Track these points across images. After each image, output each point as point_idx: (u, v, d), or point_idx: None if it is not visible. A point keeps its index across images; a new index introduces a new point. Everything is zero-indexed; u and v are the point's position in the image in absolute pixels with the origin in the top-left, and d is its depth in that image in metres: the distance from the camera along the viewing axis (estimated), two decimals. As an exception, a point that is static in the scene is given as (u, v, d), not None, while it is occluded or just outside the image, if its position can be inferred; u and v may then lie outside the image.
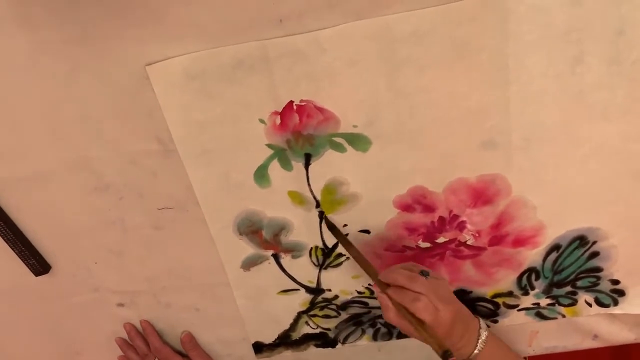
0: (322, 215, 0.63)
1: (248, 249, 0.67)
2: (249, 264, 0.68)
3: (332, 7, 0.50)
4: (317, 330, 0.75)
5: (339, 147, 0.58)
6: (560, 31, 0.50)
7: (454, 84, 0.53)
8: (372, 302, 0.72)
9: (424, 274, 0.56)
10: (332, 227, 0.63)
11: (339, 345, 0.76)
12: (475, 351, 0.57)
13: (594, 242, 0.63)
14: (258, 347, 0.76)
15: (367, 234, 0.65)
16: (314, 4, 0.49)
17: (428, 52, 0.51)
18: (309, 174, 0.60)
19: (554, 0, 0.48)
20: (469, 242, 0.64)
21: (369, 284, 0.70)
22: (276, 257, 0.68)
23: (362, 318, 0.74)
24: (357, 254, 0.61)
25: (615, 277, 0.66)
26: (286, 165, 0.60)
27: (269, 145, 0.58)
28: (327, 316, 0.74)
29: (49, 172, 0.61)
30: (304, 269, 0.68)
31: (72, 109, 0.57)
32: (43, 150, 0.60)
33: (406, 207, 0.62)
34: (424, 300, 0.53)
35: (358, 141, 0.57)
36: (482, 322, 0.60)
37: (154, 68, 0.53)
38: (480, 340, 0.58)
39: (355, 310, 0.73)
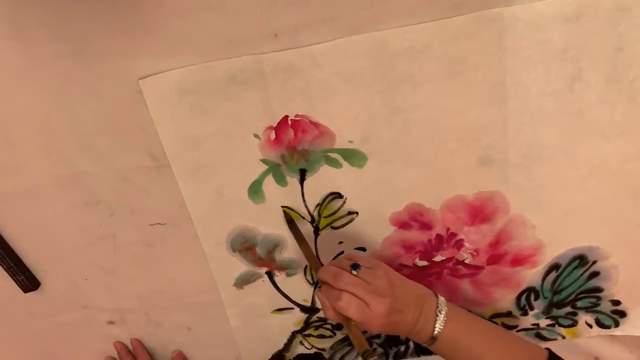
0: (317, 232, 0.62)
1: (241, 266, 0.66)
2: (243, 281, 0.67)
3: (328, 22, 0.49)
4: (312, 351, 0.74)
5: (334, 163, 0.57)
6: (558, 48, 0.49)
7: (450, 101, 0.52)
8: (367, 322, 0.71)
9: (354, 267, 0.53)
10: (290, 221, 0.61)
11: (334, 366, 0.75)
12: (435, 332, 0.53)
13: (594, 262, 0.62)
14: (251, 368, 0.75)
15: (362, 251, 0.63)
16: (309, 18, 0.49)
17: (424, 68, 0.51)
18: (304, 190, 0.59)
19: (551, 17, 0.48)
20: (466, 261, 0.63)
21: (365, 303, 0.68)
22: (270, 274, 0.66)
23: (357, 338, 0.73)
24: (308, 251, 0.60)
25: (616, 298, 0.65)
26: (281, 180, 0.59)
27: (264, 161, 0.58)
28: (322, 336, 0.72)
29: (39, 187, 0.61)
30: (299, 287, 0.67)
31: (63, 123, 0.56)
32: (33, 165, 0.59)
33: (403, 225, 0.61)
34: (346, 298, 0.51)
35: (354, 157, 0.57)
36: (441, 300, 0.55)
37: (147, 82, 0.52)
38: (438, 320, 0.53)
39: (350, 330, 0.72)
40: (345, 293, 0.51)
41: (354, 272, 0.53)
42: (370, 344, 0.74)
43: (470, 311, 0.67)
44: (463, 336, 0.54)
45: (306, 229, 0.62)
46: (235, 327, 0.71)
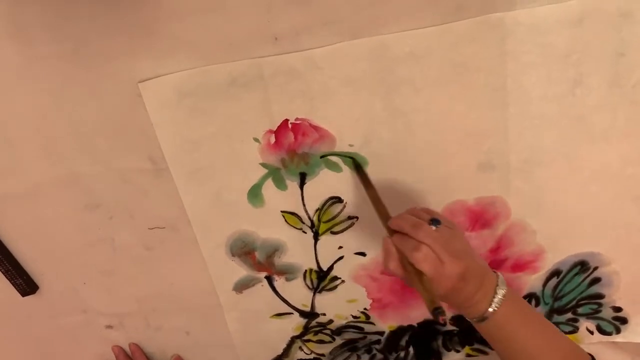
0: (316, 237, 0.62)
1: (241, 270, 0.65)
2: (242, 286, 0.67)
3: (328, 26, 0.49)
4: (311, 356, 0.74)
5: (334, 167, 0.57)
6: (560, 53, 0.49)
7: (451, 105, 0.52)
8: (367, 327, 0.70)
9: (433, 222, 0.50)
10: (358, 167, 0.57)
11: (334, 372, 0.74)
12: (490, 309, 0.50)
13: (595, 268, 0.62)
14: (250, 373, 0.74)
15: (362, 256, 0.63)
16: (310, 22, 0.49)
17: (425, 72, 0.51)
18: (304, 194, 0.59)
19: (553, 21, 0.48)
20: (467, 266, 0.63)
21: (365, 308, 0.68)
22: (269, 279, 0.66)
23: (357, 344, 0.72)
24: (375, 196, 0.56)
25: (617, 304, 0.64)
26: (280, 184, 0.59)
27: (263, 164, 0.57)
28: (321, 341, 0.72)
29: (38, 189, 0.60)
30: (298, 292, 0.67)
31: (63, 125, 0.56)
32: (33, 167, 0.59)
33: (403, 230, 0.61)
34: (424, 251, 0.48)
35: (354, 161, 0.56)
36: (501, 279, 0.52)
37: (147, 85, 0.52)
38: (496, 298, 0.50)
39: (350, 335, 0.71)
40: (424, 245, 0.48)
41: (434, 227, 0.49)
42: (370, 350, 0.73)
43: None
44: (514, 322, 0.51)
45: (306, 236, 0.62)
46: (234, 331, 0.71)
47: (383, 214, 0.54)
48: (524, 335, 0.51)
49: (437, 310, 0.45)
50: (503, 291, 0.50)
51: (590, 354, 0.53)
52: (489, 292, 0.50)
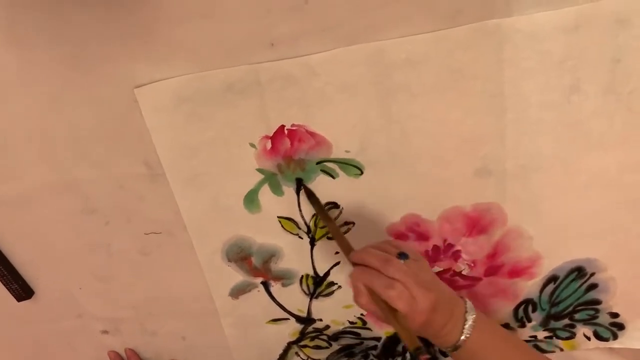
0: (313, 243, 0.62)
1: (237, 276, 0.65)
2: (238, 291, 0.66)
3: (325, 32, 0.49)
4: (308, 361, 0.73)
5: (330, 173, 0.57)
6: (557, 59, 0.49)
7: (448, 111, 0.52)
8: (364, 333, 0.70)
9: (401, 256, 0.49)
10: (311, 195, 0.57)
11: (330, 377, 0.74)
12: (462, 337, 0.50)
13: (592, 274, 0.62)
14: (246, 378, 0.74)
15: (359, 263, 0.63)
16: (307, 28, 0.49)
17: (421, 78, 0.50)
18: (300, 200, 0.59)
19: (550, 28, 0.48)
20: (464, 272, 0.63)
21: (362, 314, 0.68)
22: (266, 285, 0.66)
23: (354, 349, 0.72)
24: (335, 229, 0.56)
25: (614, 310, 0.64)
26: (277, 190, 0.58)
27: (260, 170, 0.57)
28: (317, 347, 0.72)
29: (34, 194, 0.60)
30: (295, 298, 0.67)
31: (59, 130, 0.56)
32: (29, 171, 0.59)
33: (399, 235, 0.61)
34: (399, 288, 0.47)
35: (350, 167, 0.56)
36: (469, 305, 0.52)
37: (143, 91, 0.52)
38: (467, 325, 0.50)
39: (347, 341, 0.71)
40: (398, 282, 0.47)
41: (402, 261, 0.49)
42: (367, 356, 0.73)
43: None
44: (487, 346, 0.51)
45: (302, 242, 0.62)
46: (230, 337, 0.70)
47: (345, 246, 0.54)
48: (499, 358, 0.51)
49: (418, 350, 0.45)
50: (473, 317, 0.51)
51: None
52: (459, 320, 0.50)
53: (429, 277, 0.50)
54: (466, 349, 0.50)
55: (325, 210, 0.58)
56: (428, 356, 0.45)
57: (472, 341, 0.50)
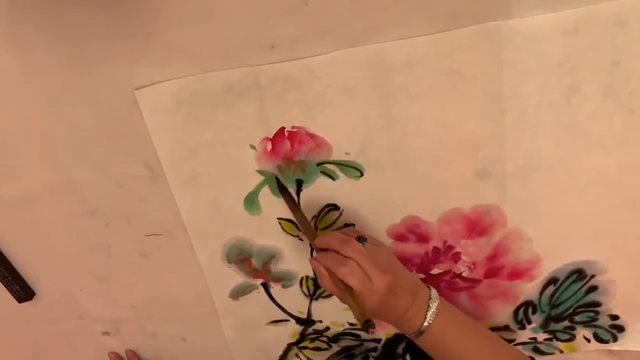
0: (313, 244, 0.62)
1: (237, 277, 0.65)
2: (238, 293, 0.67)
3: (325, 34, 0.49)
4: (308, 363, 0.73)
5: (331, 175, 0.57)
6: (556, 61, 0.49)
7: (447, 113, 0.52)
8: (364, 335, 0.70)
9: (360, 239, 0.53)
10: (283, 189, 0.58)
11: (330, 379, 0.74)
12: (425, 323, 0.52)
13: (592, 276, 0.62)
14: (246, 380, 0.74)
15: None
16: (307, 30, 0.49)
17: (421, 80, 0.51)
18: (301, 201, 0.59)
19: (549, 30, 0.48)
20: (464, 274, 0.63)
21: (362, 316, 0.68)
22: (266, 286, 0.66)
23: (354, 351, 0.72)
24: (302, 218, 0.58)
25: (614, 312, 0.64)
26: (277, 192, 0.59)
27: (260, 172, 0.57)
28: (317, 348, 0.72)
29: (35, 196, 0.60)
30: (295, 299, 0.67)
31: (59, 130, 0.56)
32: (29, 173, 0.59)
33: (400, 237, 0.61)
34: (352, 265, 0.50)
35: (350, 169, 0.56)
36: (434, 293, 0.54)
37: (143, 92, 0.52)
38: (429, 312, 0.53)
39: (346, 342, 0.71)
40: (351, 260, 0.50)
41: (361, 244, 0.52)
42: (366, 357, 0.73)
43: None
44: (451, 332, 0.53)
45: (302, 244, 0.62)
46: (230, 338, 0.71)
47: (310, 234, 0.56)
48: (463, 345, 0.53)
49: (367, 323, 0.49)
50: (436, 304, 0.53)
51: (531, 357, 0.54)
52: (423, 306, 0.53)
53: (387, 260, 0.53)
54: (430, 335, 0.52)
55: (294, 201, 0.58)
56: (375, 329, 0.49)
57: (436, 327, 0.52)
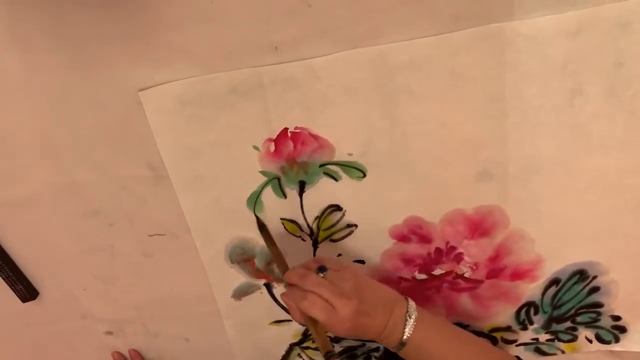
0: (316, 245, 0.62)
1: (239, 277, 0.65)
2: (241, 293, 0.67)
3: (327, 36, 0.49)
4: (310, 363, 0.74)
5: (333, 175, 0.57)
6: (558, 63, 0.49)
7: (449, 114, 0.52)
8: (366, 335, 0.70)
9: (320, 270, 0.53)
10: (261, 227, 0.60)
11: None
12: (405, 336, 0.52)
13: (594, 277, 0.62)
14: (249, 380, 0.74)
15: (361, 264, 0.63)
16: (309, 32, 0.49)
17: (423, 81, 0.51)
18: (303, 202, 0.59)
19: (552, 32, 0.48)
20: (466, 275, 0.63)
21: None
22: (268, 286, 0.66)
23: (356, 351, 0.72)
24: (278, 254, 0.59)
25: (616, 313, 0.64)
26: (280, 192, 0.59)
27: (263, 172, 0.58)
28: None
29: (38, 196, 0.60)
30: (297, 300, 0.67)
31: (63, 132, 0.56)
32: (32, 174, 0.59)
33: (402, 238, 0.61)
34: (310, 298, 0.50)
35: (353, 170, 0.56)
36: (412, 304, 0.54)
37: (147, 93, 0.52)
38: (408, 325, 0.52)
39: (349, 342, 0.71)
40: (310, 293, 0.51)
41: (321, 275, 0.52)
42: (369, 358, 0.73)
43: (469, 325, 0.67)
44: (433, 342, 0.53)
45: (305, 244, 0.62)
46: (232, 338, 0.71)
47: (283, 270, 0.57)
48: (445, 353, 0.53)
49: (328, 354, 0.49)
50: (414, 315, 0.53)
51: (517, 356, 0.56)
52: (400, 319, 0.53)
53: (349, 285, 0.52)
54: (411, 347, 0.53)
55: (271, 238, 0.60)
56: (338, 358, 0.49)
57: (416, 338, 0.52)
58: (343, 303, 0.50)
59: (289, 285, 0.55)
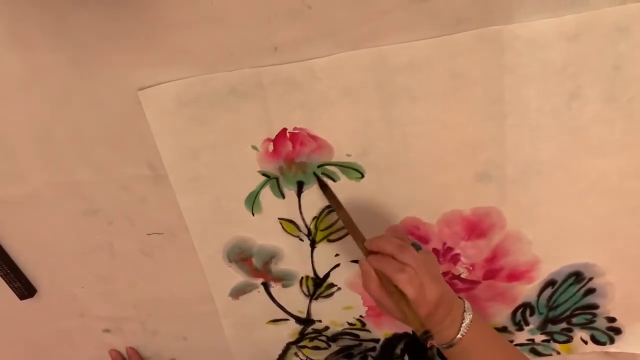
0: (313, 245, 0.62)
1: (237, 277, 0.66)
2: (238, 292, 0.67)
3: (328, 37, 0.49)
4: (307, 362, 0.74)
5: (331, 176, 0.57)
6: (557, 66, 0.49)
7: (449, 116, 0.52)
8: (363, 334, 0.70)
9: (415, 246, 0.51)
10: (324, 186, 0.57)
11: (329, 378, 0.75)
12: (459, 335, 0.51)
13: (590, 279, 0.62)
14: (246, 378, 0.75)
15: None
16: (309, 33, 0.49)
17: (423, 83, 0.51)
18: (301, 202, 0.59)
19: (551, 35, 0.48)
20: (462, 275, 0.63)
21: (360, 316, 0.68)
22: (266, 285, 0.66)
23: (352, 350, 0.72)
24: (347, 218, 0.56)
25: (611, 315, 0.65)
26: (278, 192, 0.59)
27: (261, 172, 0.58)
28: (316, 348, 0.72)
29: (38, 195, 0.60)
30: (294, 299, 0.67)
31: (63, 132, 0.56)
32: (32, 173, 0.59)
33: (400, 238, 0.61)
34: (410, 272, 0.48)
35: (351, 170, 0.57)
36: (467, 305, 0.53)
37: (146, 93, 0.53)
38: (464, 324, 0.51)
39: (345, 342, 0.71)
40: (410, 267, 0.48)
41: (416, 251, 0.51)
42: (365, 357, 0.74)
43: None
44: (480, 346, 0.52)
45: (303, 244, 0.62)
46: (230, 337, 0.71)
47: (357, 234, 0.55)
48: (489, 359, 0.52)
49: (426, 334, 0.46)
50: (470, 317, 0.52)
51: None
52: (457, 318, 0.52)
53: (437, 271, 0.52)
54: (460, 348, 0.52)
55: (337, 200, 0.57)
56: (433, 341, 0.47)
57: (467, 340, 0.51)
58: (433, 286, 0.49)
59: (372, 253, 0.52)
